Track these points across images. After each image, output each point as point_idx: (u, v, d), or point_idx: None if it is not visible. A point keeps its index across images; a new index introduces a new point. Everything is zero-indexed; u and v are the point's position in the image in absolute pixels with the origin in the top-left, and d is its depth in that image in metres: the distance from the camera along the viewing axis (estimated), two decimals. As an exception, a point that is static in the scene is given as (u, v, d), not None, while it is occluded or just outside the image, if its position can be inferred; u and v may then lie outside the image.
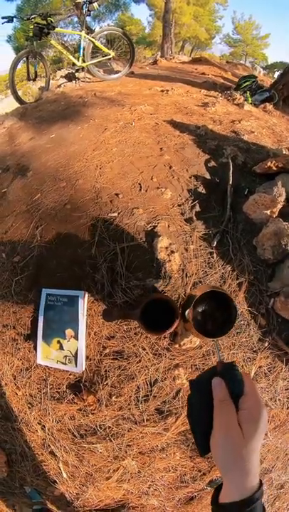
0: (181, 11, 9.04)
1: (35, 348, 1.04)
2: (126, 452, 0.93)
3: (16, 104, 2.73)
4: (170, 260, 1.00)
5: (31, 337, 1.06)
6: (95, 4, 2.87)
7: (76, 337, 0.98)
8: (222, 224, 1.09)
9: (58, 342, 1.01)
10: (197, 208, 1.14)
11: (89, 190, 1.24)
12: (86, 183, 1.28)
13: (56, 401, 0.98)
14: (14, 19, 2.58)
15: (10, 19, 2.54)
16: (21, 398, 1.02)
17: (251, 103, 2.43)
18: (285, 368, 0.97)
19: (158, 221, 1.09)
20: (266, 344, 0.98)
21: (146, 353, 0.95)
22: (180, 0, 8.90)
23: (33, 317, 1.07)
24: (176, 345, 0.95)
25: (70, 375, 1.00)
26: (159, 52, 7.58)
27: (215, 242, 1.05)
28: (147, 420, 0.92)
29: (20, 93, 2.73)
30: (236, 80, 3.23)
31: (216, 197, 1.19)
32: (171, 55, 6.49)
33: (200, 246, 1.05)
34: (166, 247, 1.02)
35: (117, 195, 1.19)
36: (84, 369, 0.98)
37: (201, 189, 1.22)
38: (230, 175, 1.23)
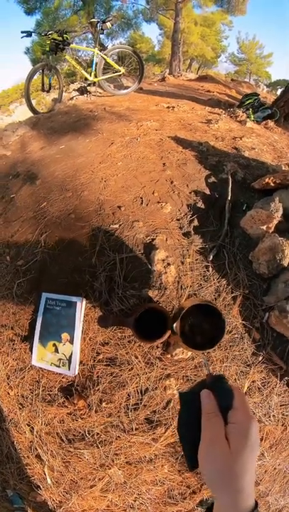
0: (189, 30, 9.41)
1: (31, 349, 1.05)
2: (113, 461, 0.91)
3: (29, 113, 2.85)
4: (166, 272, 1.03)
5: (28, 338, 1.07)
6: (109, 23, 3.02)
7: (71, 341, 1.00)
8: (219, 238, 1.11)
9: (54, 345, 1.03)
10: (195, 223, 1.16)
11: (93, 201, 1.28)
12: (91, 194, 1.32)
13: (47, 403, 0.99)
14: (32, 34, 2.72)
15: (29, 34, 2.69)
16: (13, 398, 1.03)
17: (253, 120, 2.49)
18: (280, 383, 0.95)
19: (156, 234, 1.12)
20: (260, 358, 0.97)
21: (139, 361, 0.95)
22: (188, 20, 9.26)
23: (32, 319, 1.09)
24: (169, 356, 0.96)
25: (62, 378, 1.01)
26: (168, 70, 7.85)
27: (211, 256, 1.07)
28: (136, 429, 0.92)
29: (34, 102, 2.85)
30: (240, 97, 3.33)
31: (215, 212, 1.21)
32: (179, 73, 6.72)
33: (196, 259, 1.07)
34: (163, 260, 1.05)
35: (119, 207, 1.22)
36: (77, 373, 0.98)
37: (200, 204, 1.25)
38: (229, 190, 1.26)
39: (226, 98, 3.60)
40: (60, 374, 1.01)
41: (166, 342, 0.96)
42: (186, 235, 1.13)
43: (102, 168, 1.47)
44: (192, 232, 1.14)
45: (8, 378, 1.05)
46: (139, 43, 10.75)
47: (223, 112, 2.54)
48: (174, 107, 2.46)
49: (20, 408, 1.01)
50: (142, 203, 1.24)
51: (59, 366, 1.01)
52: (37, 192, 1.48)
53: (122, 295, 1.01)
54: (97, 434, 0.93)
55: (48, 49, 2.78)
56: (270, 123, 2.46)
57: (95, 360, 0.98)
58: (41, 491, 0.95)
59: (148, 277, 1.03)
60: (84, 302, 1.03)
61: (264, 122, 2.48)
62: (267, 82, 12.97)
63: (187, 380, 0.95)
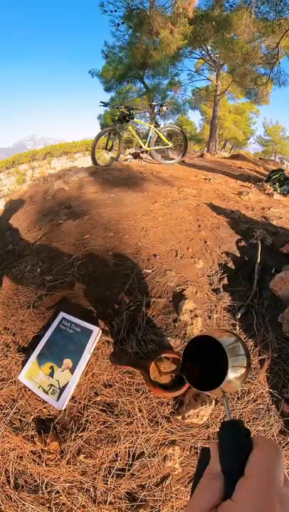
0: (224, 117, 11.63)
1: (23, 363, 0.95)
2: (63, 537, 0.69)
3: (89, 163, 3.38)
4: (192, 323, 0.99)
5: (25, 351, 0.99)
6: (165, 107, 3.78)
7: (72, 370, 0.90)
8: (248, 298, 1.08)
9: (51, 368, 0.92)
10: (225, 281, 1.17)
11: (131, 245, 1.37)
12: (131, 239, 1.42)
13: (12, 429, 0.82)
14: (108, 105, 3.50)
15: (106, 104, 3.48)
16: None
17: (280, 193, 2.67)
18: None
19: (187, 285, 1.12)
20: None
21: (142, 416, 0.79)
22: (224, 109, 11.51)
23: (38, 334, 1.03)
24: (179, 417, 0.80)
25: (44, 407, 0.86)
26: (206, 148, 9.13)
27: (239, 315, 1.03)
28: (110, 504, 0.69)
29: (96, 156, 3.41)
30: (267, 172, 3.63)
31: (244, 273, 1.21)
32: (215, 151, 7.73)
33: (224, 316, 1.03)
34: (191, 311, 1.03)
35: (155, 255, 1.29)
36: (64, 408, 0.84)
37: (231, 264, 1.27)
38: (259, 254, 1.27)
39: (255, 174, 3.94)
40: (44, 402, 0.86)
41: (179, 400, 0.84)
42: (216, 291, 1.12)
43: (144, 219, 1.62)
44: (221, 289, 1.13)
45: (-18, 382, 0.92)
46: (185, 125, 13.08)
47: (253, 185, 2.76)
48: (210, 179, 2.75)
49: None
50: (176, 256, 1.29)
51: (47, 393, 0.86)
52: (83, 225, 1.62)
53: (142, 338, 0.95)
54: (57, 492, 0.70)
55: (116, 118, 3.49)
56: (295, 195, 2.60)
57: (90, 401, 0.84)
58: None
59: (172, 325, 0.99)
60: (100, 334, 0.96)
61: (290, 195, 2.63)
62: (290, 159, 14.18)
63: (195, 452, 0.77)
